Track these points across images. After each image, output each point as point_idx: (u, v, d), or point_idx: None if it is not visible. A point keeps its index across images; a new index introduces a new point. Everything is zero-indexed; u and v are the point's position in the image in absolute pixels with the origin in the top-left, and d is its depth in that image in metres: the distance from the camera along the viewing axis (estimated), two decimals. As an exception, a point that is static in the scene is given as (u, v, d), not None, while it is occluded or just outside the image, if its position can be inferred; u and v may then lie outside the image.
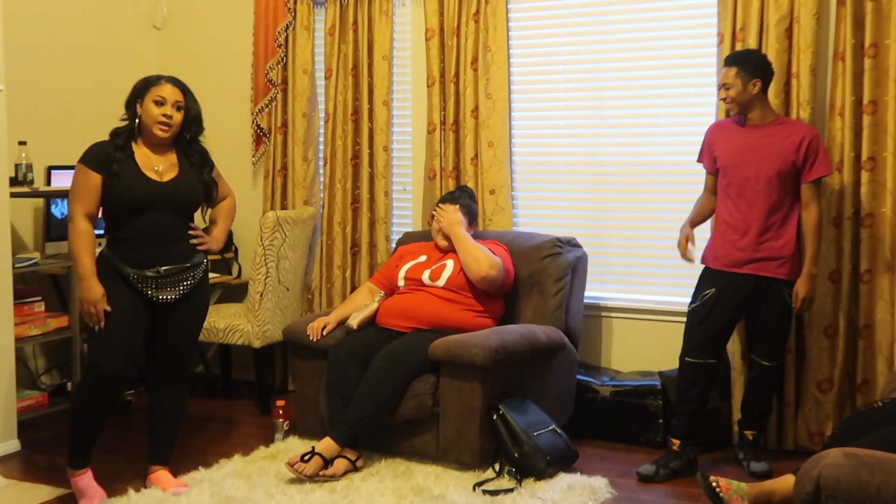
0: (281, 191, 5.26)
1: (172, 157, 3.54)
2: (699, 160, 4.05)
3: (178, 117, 3.48)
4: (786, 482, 3.09)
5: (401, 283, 4.28)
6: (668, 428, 4.05)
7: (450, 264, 4.21)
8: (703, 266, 3.96)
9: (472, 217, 4.35)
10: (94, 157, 3.43)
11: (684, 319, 3.95)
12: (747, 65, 3.79)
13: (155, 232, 3.46)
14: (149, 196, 3.43)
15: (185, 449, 4.06)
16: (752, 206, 3.80)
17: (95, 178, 3.42)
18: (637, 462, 3.98)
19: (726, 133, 3.92)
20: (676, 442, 3.90)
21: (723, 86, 3.82)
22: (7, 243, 4.13)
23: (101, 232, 3.62)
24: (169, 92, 3.47)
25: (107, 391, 3.48)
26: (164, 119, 3.44)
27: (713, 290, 3.83)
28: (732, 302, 3.82)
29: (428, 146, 4.90)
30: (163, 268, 3.46)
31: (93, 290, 3.39)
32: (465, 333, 3.94)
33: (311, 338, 4.15)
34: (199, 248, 3.59)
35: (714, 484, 3.19)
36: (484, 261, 4.08)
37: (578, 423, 4.31)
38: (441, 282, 4.16)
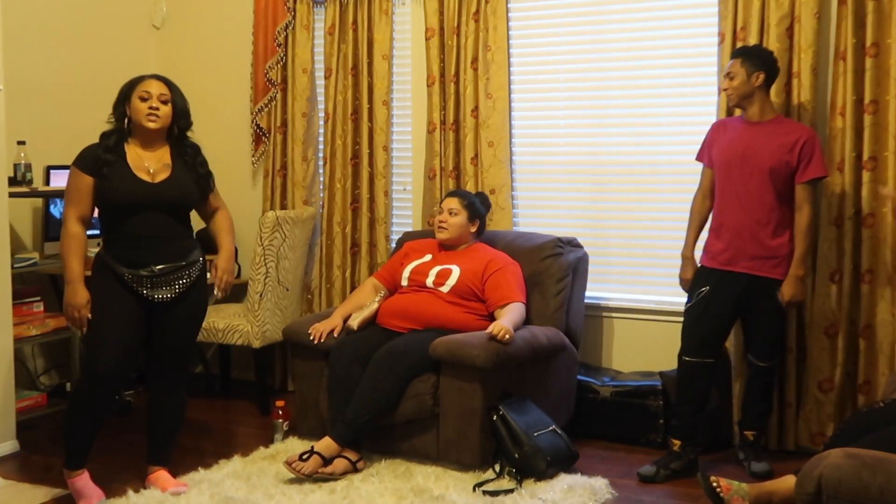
0: (280, 190, 5.25)
1: (166, 157, 3.53)
2: (698, 158, 4.03)
3: (165, 110, 3.48)
4: (787, 482, 3.08)
5: (404, 282, 4.26)
6: (669, 428, 4.04)
7: (455, 270, 4.18)
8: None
9: (473, 215, 4.30)
10: (86, 160, 3.44)
11: (685, 320, 3.94)
12: (753, 57, 3.81)
13: (148, 232, 3.45)
14: (139, 197, 3.43)
15: (185, 449, 4.05)
16: (746, 204, 3.79)
17: (87, 181, 3.42)
18: (638, 463, 3.97)
19: (726, 130, 3.91)
20: (677, 442, 3.89)
21: (726, 75, 3.82)
22: (6, 243, 4.12)
23: (98, 233, 3.61)
24: (153, 87, 3.48)
25: (102, 391, 3.48)
26: (150, 111, 3.44)
27: (707, 288, 3.83)
28: (726, 300, 3.82)
29: (428, 146, 4.89)
30: (157, 267, 3.45)
31: (78, 294, 3.40)
32: (466, 333, 3.93)
33: (314, 340, 4.13)
34: (219, 288, 3.63)
35: (715, 484, 3.18)
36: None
37: (579, 423, 4.30)
38: (445, 288, 4.14)
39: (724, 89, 3.86)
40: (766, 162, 3.75)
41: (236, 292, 5.19)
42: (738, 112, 3.95)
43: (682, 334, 3.90)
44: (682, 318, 3.96)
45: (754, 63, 3.78)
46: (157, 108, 3.46)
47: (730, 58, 3.91)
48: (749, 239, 3.79)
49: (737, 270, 3.80)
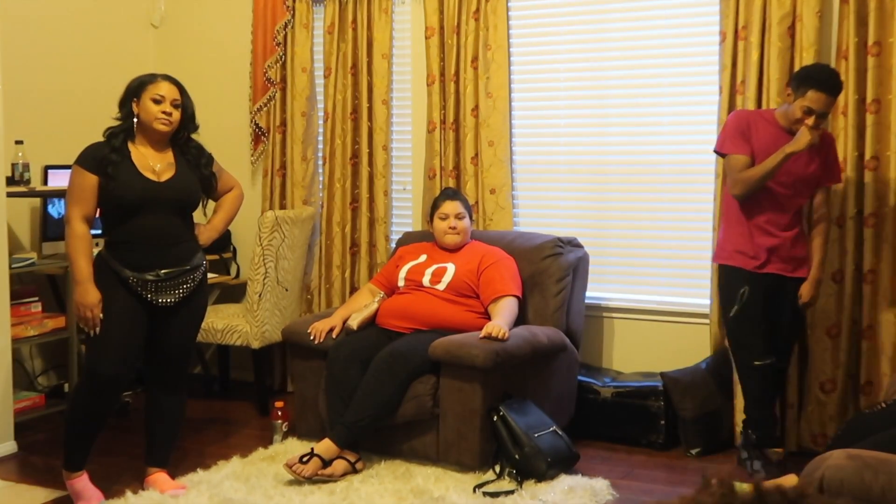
0: (280, 190, 5.23)
1: (169, 156, 3.52)
2: (729, 150, 3.76)
3: (176, 115, 3.48)
4: (789, 481, 3.06)
5: (401, 283, 4.25)
6: (764, 440, 3.88)
7: (451, 268, 4.17)
8: (710, 267, 3.92)
9: (471, 213, 4.36)
10: (90, 159, 3.41)
11: (686, 320, 3.92)
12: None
13: (154, 234, 3.44)
14: (146, 196, 3.41)
15: (184, 450, 4.04)
16: (784, 207, 3.80)
17: (91, 180, 3.39)
18: (638, 464, 3.96)
19: (758, 127, 3.79)
20: (781, 451, 3.88)
21: (822, 115, 3.63)
22: (4, 243, 4.11)
23: (99, 232, 3.59)
24: (167, 90, 3.46)
25: (105, 393, 3.46)
26: (162, 116, 3.43)
27: (747, 288, 3.79)
28: (760, 301, 3.80)
29: (428, 145, 4.87)
30: (162, 271, 3.43)
31: (89, 294, 3.37)
32: (465, 334, 3.91)
33: (314, 339, 4.11)
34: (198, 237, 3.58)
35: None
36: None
37: (579, 424, 4.28)
38: (441, 286, 4.13)
39: (814, 126, 3.60)
40: (808, 167, 3.76)
41: (236, 292, 5.19)
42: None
43: (743, 340, 3.82)
44: (682, 319, 3.94)
45: None
46: (170, 114, 3.44)
47: (829, 91, 3.60)
48: (783, 241, 3.79)
49: (770, 272, 3.79)
